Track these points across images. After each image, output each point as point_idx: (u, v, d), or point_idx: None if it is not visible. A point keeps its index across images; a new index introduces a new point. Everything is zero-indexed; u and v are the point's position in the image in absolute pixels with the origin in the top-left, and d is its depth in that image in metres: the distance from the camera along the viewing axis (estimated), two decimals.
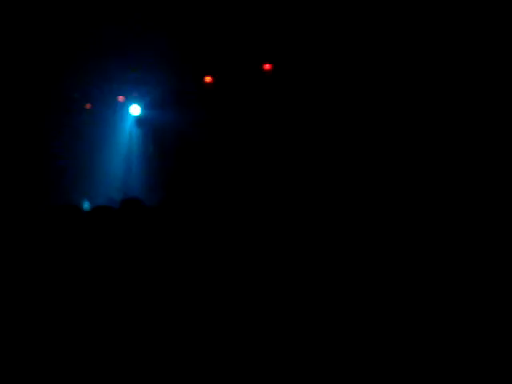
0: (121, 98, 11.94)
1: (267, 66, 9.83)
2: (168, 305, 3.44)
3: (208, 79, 10.75)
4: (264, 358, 3.18)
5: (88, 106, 11.94)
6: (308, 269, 3.86)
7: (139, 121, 12.05)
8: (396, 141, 7.97)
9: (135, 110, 11.85)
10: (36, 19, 8.37)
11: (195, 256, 3.89)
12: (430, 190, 7.16)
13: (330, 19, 8.30)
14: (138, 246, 4.30)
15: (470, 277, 3.92)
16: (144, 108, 11.89)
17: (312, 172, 8.90)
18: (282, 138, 9.66)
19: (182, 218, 5.37)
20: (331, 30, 8.40)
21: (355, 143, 8.43)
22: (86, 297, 3.39)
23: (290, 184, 9.09)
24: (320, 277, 3.78)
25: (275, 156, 9.70)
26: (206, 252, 3.94)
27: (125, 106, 12.05)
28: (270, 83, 9.86)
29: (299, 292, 3.62)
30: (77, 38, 8.75)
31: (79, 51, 9.20)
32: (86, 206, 10.70)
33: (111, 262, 3.74)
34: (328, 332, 3.33)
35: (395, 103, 7.99)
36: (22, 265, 3.57)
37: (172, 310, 3.42)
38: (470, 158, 6.98)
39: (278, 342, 3.24)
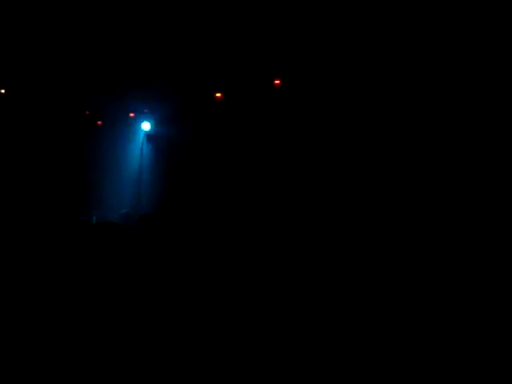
0: (131, 115, 12.12)
1: (277, 82, 9.94)
2: (183, 309, 3.51)
3: (218, 95, 10.88)
4: (263, 358, 3.22)
5: (99, 123, 12.12)
6: (308, 269, 3.92)
7: (150, 136, 12.20)
8: (406, 162, 8.02)
9: (146, 126, 12.01)
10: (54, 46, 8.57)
11: (202, 260, 3.96)
12: (430, 190, 7.22)
13: (338, 35, 8.41)
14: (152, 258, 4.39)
15: (469, 276, 3.96)
16: (154, 124, 12.05)
17: (319, 185, 8.96)
18: (291, 152, 9.74)
19: (190, 228, 5.48)
20: (340, 45, 8.51)
21: (364, 158, 8.49)
22: (97, 302, 3.46)
23: (299, 197, 9.17)
24: (319, 277, 3.84)
25: (285, 170, 9.77)
26: (211, 257, 4.01)
27: (136, 122, 12.21)
28: (279, 98, 9.96)
29: (299, 292, 3.67)
30: (91, 60, 8.93)
31: (93, 71, 9.38)
32: (93, 219, 10.81)
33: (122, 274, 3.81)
34: (327, 331, 3.38)
35: (405, 119, 8.05)
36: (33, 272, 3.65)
37: (185, 312, 3.49)
38: (470, 158, 7.01)
39: (278, 342, 3.28)
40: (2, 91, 10.78)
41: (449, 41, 7.18)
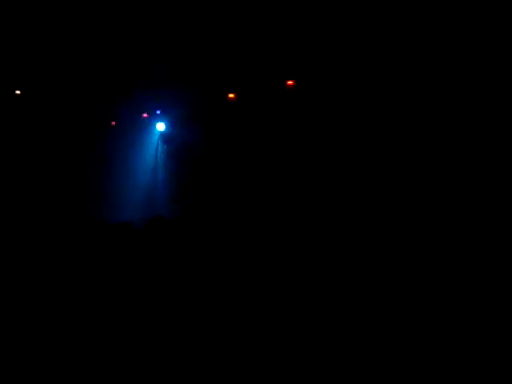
0: (145, 115, 12.13)
1: (289, 83, 9.89)
2: (186, 310, 3.49)
3: (231, 96, 10.85)
4: (264, 359, 3.19)
5: (113, 123, 12.14)
6: (308, 270, 3.87)
7: (164, 137, 12.20)
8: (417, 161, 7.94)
9: (160, 126, 12.01)
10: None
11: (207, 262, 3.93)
12: (430, 191, 7.15)
13: (350, 35, 8.35)
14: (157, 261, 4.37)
15: (470, 277, 3.90)
16: (169, 124, 12.05)
17: (331, 186, 8.92)
18: (305, 153, 9.70)
19: (202, 231, 5.45)
20: (352, 45, 8.45)
21: (376, 159, 8.43)
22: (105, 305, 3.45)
23: (313, 198, 9.13)
24: (319, 278, 3.79)
25: (299, 172, 9.74)
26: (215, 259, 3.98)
27: (150, 122, 12.22)
28: (292, 99, 9.92)
29: (299, 293, 3.63)
30: (105, 61, 8.95)
31: (107, 71, 9.40)
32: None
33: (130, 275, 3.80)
34: (328, 332, 3.34)
35: (417, 120, 7.98)
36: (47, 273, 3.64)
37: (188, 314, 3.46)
38: (470, 159, 6.93)
39: (278, 343, 3.24)
40: (18, 92, 10.87)
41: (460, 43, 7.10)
